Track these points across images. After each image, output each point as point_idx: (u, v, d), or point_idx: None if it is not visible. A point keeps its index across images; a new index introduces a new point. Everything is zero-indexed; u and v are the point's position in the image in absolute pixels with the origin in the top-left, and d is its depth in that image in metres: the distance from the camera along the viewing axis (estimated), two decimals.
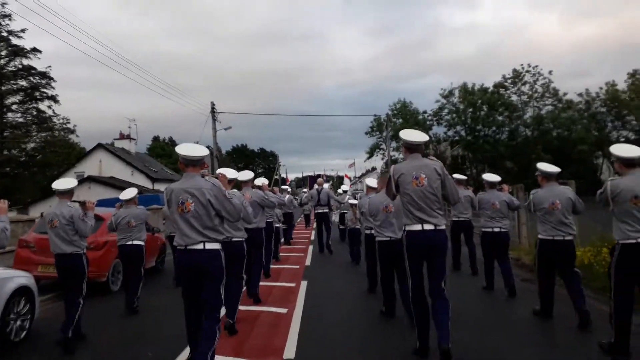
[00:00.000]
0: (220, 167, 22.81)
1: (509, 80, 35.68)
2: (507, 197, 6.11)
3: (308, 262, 9.32)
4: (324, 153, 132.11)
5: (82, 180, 26.29)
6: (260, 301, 5.98)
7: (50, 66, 28.29)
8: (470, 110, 35.61)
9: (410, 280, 3.90)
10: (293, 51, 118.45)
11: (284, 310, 5.49)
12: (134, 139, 33.94)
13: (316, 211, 11.37)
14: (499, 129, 35.73)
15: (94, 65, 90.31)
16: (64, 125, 31.25)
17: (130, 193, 6.16)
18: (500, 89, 35.86)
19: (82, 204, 4.92)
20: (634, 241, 3.62)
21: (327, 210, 11.15)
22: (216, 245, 3.56)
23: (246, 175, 6.01)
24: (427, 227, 3.74)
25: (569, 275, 4.67)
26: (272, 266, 8.17)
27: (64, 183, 4.91)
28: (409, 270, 3.91)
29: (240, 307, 5.00)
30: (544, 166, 4.88)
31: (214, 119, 24.96)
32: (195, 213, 3.48)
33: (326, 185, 12.11)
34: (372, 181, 6.15)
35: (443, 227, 3.84)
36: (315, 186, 11.76)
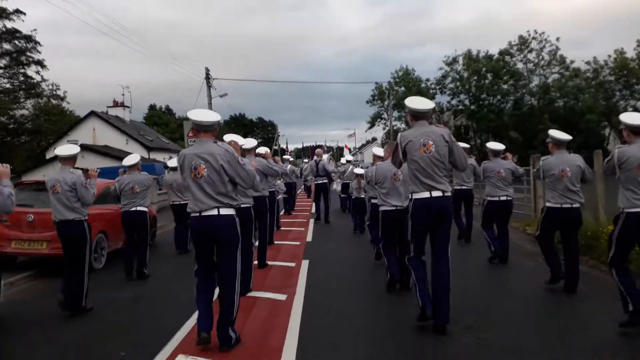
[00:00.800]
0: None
1: (515, 47, 34.98)
2: (512, 165, 6.22)
3: (309, 237, 9.20)
4: (323, 124, 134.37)
5: None
6: (267, 265, 6.24)
7: (35, 29, 27.39)
8: (475, 78, 35.11)
9: (413, 245, 3.97)
10: (288, 19, 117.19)
11: (282, 297, 4.98)
12: (128, 107, 33.59)
13: (315, 182, 11.56)
14: (504, 98, 35.37)
15: (86, 33, 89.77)
16: (54, 92, 30.79)
17: (133, 159, 6.24)
18: (506, 56, 35.25)
19: (85, 171, 4.95)
20: (639, 209, 3.68)
21: (326, 181, 11.41)
22: (230, 211, 3.61)
23: (250, 142, 6.09)
24: (435, 193, 3.81)
25: (572, 242, 4.81)
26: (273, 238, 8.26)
27: (66, 149, 4.95)
28: (412, 236, 3.98)
29: None
30: (556, 133, 4.95)
31: (209, 86, 24.38)
32: (208, 178, 3.53)
33: (325, 157, 12.49)
34: (378, 150, 6.18)
35: (450, 193, 3.93)
36: (315, 157, 11.95)
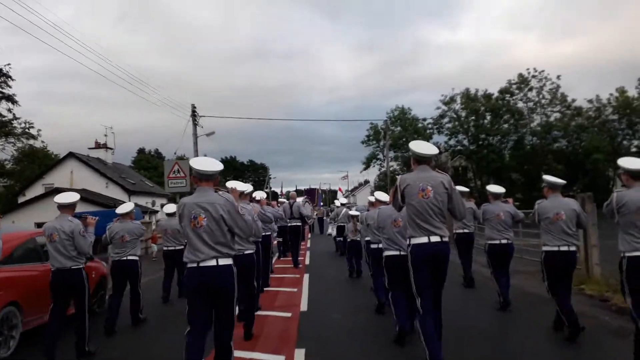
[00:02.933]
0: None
1: (515, 86, 36.39)
2: (512, 208, 6.60)
3: (305, 284, 9.06)
4: (316, 167, 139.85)
5: (49, 193, 26.39)
6: (260, 308, 6.43)
7: (9, 64, 27.79)
8: (473, 117, 36.29)
9: (419, 300, 4.09)
10: (279, 68, 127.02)
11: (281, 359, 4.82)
12: (111, 148, 33.97)
13: (289, 224, 11.97)
14: (504, 138, 36.39)
15: (83, 81, 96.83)
16: (26, 130, 30.97)
17: (126, 207, 6.54)
18: (506, 95, 36.53)
19: (83, 219, 5.29)
20: (639, 253, 3.97)
21: (299, 224, 12.08)
22: (229, 261, 3.75)
23: (245, 188, 6.43)
24: (434, 239, 4.05)
25: (566, 285, 5.15)
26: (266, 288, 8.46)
27: (65, 197, 5.27)
28: (415, 287, 4.12)
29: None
30: (550, 177, 5.38)
31: (195, 124, 24.33)
32: (207, 228, 3.68)
33: (299, 199, 13.05)
34: (380, 195, 6.43)
35: (447, 238, 4.18)
36: (289, 200, 12.56)
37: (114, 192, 29.59)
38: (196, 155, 23.70)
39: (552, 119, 36.04)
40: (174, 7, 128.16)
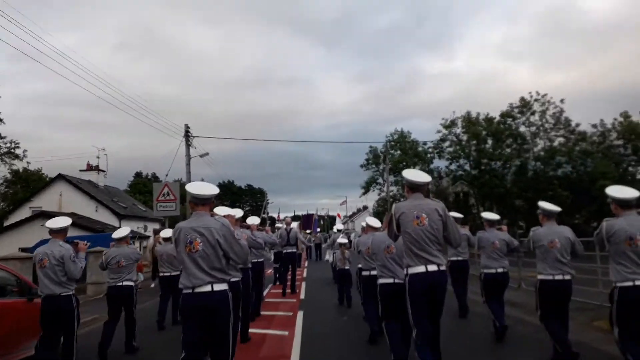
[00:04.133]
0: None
1: (516, 110, 36.84)
2: (507, 236, 6.79)
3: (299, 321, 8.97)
4: (314, 193, 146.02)
5: (35, 216, 26.53)
6: (250, 339, 6.61)
7: None
8: (474, 142, 36.66)
9: (416, 331, 4.20)
10: (278, 95, 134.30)
11: None
12: (103, 171, 34.26)
13: (285, 251, 12.29)
14: (507, 163, 36.65)
15: (84, 107, 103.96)
16: (12, 150, 31.31)
17: (123, 232, 6.77)
18: (508, 119, 36.96)
19: (74, 244, 5.44)
20: (631, 283, 4.13)
21: (295, 250, 12.37)
22: (224, 286, 3.87)
23: (235, 213, 6.61)
24: (431, 268, 4.18)
25: (562, 316, 5.27)
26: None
27: (57, 222, 5.43)
28: (412, 317, 4.21)
29: None
30: (545, 205, 5.57)
31: (188, 144, 24.27)
32: (203, 253, 3.80)
33: (294, 225, 13.21)
34: (372, 220, 6.71)
35: (444, 267, 4.33)
36: (285, 225, 12.79)
37: (104, 215, 29.75)
38: (189, 177, 23.79)
39: (555, 143, 36.38)
40: (176, 36, 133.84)
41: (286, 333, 7.28)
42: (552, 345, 5.31)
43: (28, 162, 33.27)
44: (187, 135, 24.26)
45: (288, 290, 12.10)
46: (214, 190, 4.12)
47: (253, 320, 7.96)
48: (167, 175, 30.54)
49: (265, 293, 11.17)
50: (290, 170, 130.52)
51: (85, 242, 5.66)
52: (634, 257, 4.18)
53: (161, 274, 8.72)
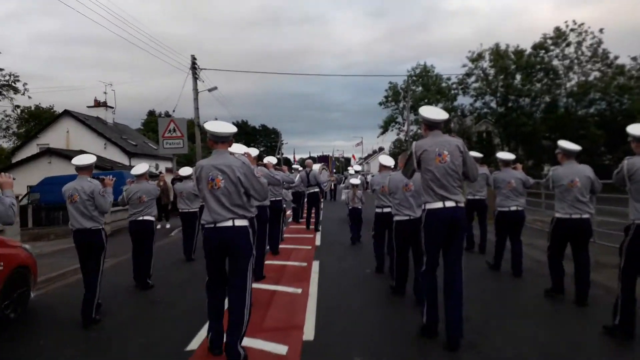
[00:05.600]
0: (202, 139, 22.88)
1: (550, 41, 35.58)
2: (522, 175, 7.11)
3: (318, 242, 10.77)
4: (328, 134, 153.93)
5: (42, 153, 27.26)
6: (264, 277, 7.27)
7: None
8: (502, 77, 35.86)
9: (426, 258, 4.57)
10: (291, 34, 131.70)
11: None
12: (112, 107, 34.53)
13: (307, 192, 13.58)
14: (536, 100, 35.90)
15: (97, 45, 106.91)
16: (11, 83, 31.63)
17: (141, 168, 7.29)
18: (540, 51, 35.77)
19: (101, 180, 5.89)
20: None
21: (317, 190, 13.68)
22: (245, 222, 4.17)
23: (251, 152, 7.01)
24: (449, 204, 4.41)
25: (583, 254, 5.65)
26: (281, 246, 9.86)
27: (82, 159, 5.83)
28: (425, 248, 4.56)
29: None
30: (565, 144, 5.78)
31: (195, 77, 23.89)
32: (225, 190, 4.09)
33: (316, 167, 14.47)
34: (386, 159, 7.11)
35: (463, 204, 4.56)
36: (306, 168, 13.97)
37: (113, 153, 30.35)
38: (197, 112, 23.89)
39: (591, 78, 35.14)
40: None
41: (304, 264, 8.52)
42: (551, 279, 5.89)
43: (29, 97, 33.48)
44: (194, 67, 23.98)
45: (312, 227, 13.33)
46: (232, 128, 4.35)
47: (278, 253, 9.17)
48: (174, 110, 31.00)
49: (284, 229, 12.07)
50: (305, 111, 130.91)
51: (111, 177, 6.10)
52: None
53: (181, 210, 9.51)
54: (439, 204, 4.44)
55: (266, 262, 7.78)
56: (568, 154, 5.73)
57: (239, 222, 4.15)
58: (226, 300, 4.28)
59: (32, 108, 32.83)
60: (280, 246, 9.62)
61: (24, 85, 30.98)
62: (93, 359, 4.56)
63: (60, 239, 14.48)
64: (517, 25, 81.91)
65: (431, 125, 4.67)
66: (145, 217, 7.17)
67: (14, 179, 4.72)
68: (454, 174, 4.46)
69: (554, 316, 5.36)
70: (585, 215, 5.56)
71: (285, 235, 11.40)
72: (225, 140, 4.30)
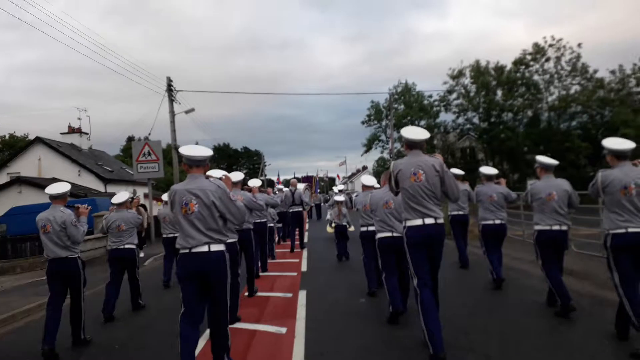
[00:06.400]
0: (179, 161, 22.89)
1: (529, 56, 36.57)
2: (504, 189, 7.44)
3: (304, 267, 10.80)
4: (313, 155, 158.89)
5: (11, 182, 26.91)
6: (240, 319, 6.98)
7: None
8: (483, 92, 36.67)
9: (416, 279, 4.72)
10: (272, 58, 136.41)
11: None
12: (86, 133, 34.38)
13: (291, 210, 14.11)
14: (518, 115, 36.72)
15: (77, 75, 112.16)
16: None
17: (121, 197, 7.42)
18: (520, 67, 36.74)
19: (76, 208, 5.93)
20: (623, 230, 4.66)
21: (301, 210, 14.29)
22: (221, 247, 4.25)
23: (236, 176, 7.22)
24: (428, 221, 4.69)
25: (559, 264, 5.96)
26: (267, 270, 10.07)
27: (56, 187, 5.92)
28: (412, 267, 4.75)
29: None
30: (543, 158, 6.15)
31: (172, 99, 23.94)
32: (199, 214, 4.16)
33: (300, 186, 15.21)
34: (368, 179, 7.37)
35: (442, 220, 4.83)
36: (290, 187, 14.63)
37: (88, 180, 30.05)
38: (174, 135, 23.88)
39: (572, 91, 36.16)
40: (167, 1, 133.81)
41: (289, 295, 7.88)
42: (547, 292, 6.00)
43: None
44: (170, 89, 24.03)
45: (296, 250, 13.60)
46: (207, 152, 4.42)
47: (258, 277, 9.11)
48: (149, 134, 30.82)
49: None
50: (288, 133, 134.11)
51: (87, 205, 6.15)
52: (628, 206, 4.69)
53: (165, 236, 9.68)
54: (419, 221, 4.70)
55: (246, 293, 7.81)
56: (546, 167, 6.03)
57: (215, 247, 4.21)
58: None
59: (7, 137, 32.55)
60: (262, 274, 9.66)
61: None
62: None
63: (26, 272, 14.19)
64: (492, 45, 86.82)
65: (411, 145, 4.95)
66: (127, 246, 7.28)
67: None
68: (429, 192, 4.71)
69: (545, 323, 5.62)
70: (564, 227, 5.87)
71: (268, 260, 11.42)
72: (200, 164, 4.36)
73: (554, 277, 5.88)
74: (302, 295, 7.62)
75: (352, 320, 6.18)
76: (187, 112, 24.77)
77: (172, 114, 24.02)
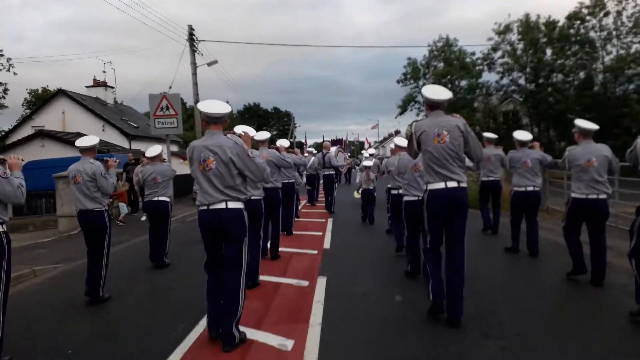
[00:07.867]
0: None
1: (586, 10, 35.10)
2: (539, 154, 7.41)
3: (329, 228, 11.27)
4: (342, 118, 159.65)
5: (34, 135, 27.65)
6: (279, 257, 7.86)
7: None
8: (532, 51, 35.51)
9: (429, 238, 4.89)
10: (305, 17, 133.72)
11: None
12: (112, 87, 34.92)
13: (323, 173, 14.94)
14: (570, 75, 35.52)
15: (110, 31, 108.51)
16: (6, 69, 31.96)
17: (155, 150, 7.90)
18: (575, 22, 35.31)
19: (104, 161, 6.31)
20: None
21: (332, 173, 15.09)
22: (239, 205, 4.34)
23: (263, 135, 7.48)
24: (451, 184, 4.71)
25: (598, 234, 5.94)
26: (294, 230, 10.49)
27: (86, 140, 6.29)
28: (427, 229, 4.89)
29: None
30: (582, 122, 6.08)
31: (193, 50, 23.47)
32: (216, 171, 4.25)
33: (332, 149, 15.91)
34: (400, 140, 7.44)
35: (465, 184, 4.86)
36: (322, 150, 15.41)
37: (111, 135, 30.50)
38: (196, 89, 23.86)
39: (632, 50, 34.63)
40: None
41: (305, 284, 6.79)
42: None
43: (15, 73, 33.72)
44: (192, 38, 23.69)
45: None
46: (225, 108, 4.46)
47: (291, 234, 9.98)
48: (170, 87, 30.92)
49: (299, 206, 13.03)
50: (318, 95, 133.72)
51: (115, 159, 6.54)
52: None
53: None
54: (441, 184, 4.74)
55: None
56: (585, 133, 6.01)
57: (232, 205, 4.31)
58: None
59: (40, 91, 33.54)
60: (280, 249, 8.65)
61: (8, 60, 31.39)
62: (98, 341, 4.84)
63: (38, 230, 14.17)
64: (529, 5, 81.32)
65: (432, 105, 4.94)
66: (160, 198, 7.84)
67: (22, 160, 4.96)
68: (453, 154, 4.73)
69: (564, 294, 5.76)
70: (602, 196, 5.84)
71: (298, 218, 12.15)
72: (218, 120, 4.44)
73: (572, 244, 6.13)
74: (321, 285, 6.33)
75: (386, 329, 4.76)
76: (209, 64, 24.32)
77: (194, 65, 23.72)
